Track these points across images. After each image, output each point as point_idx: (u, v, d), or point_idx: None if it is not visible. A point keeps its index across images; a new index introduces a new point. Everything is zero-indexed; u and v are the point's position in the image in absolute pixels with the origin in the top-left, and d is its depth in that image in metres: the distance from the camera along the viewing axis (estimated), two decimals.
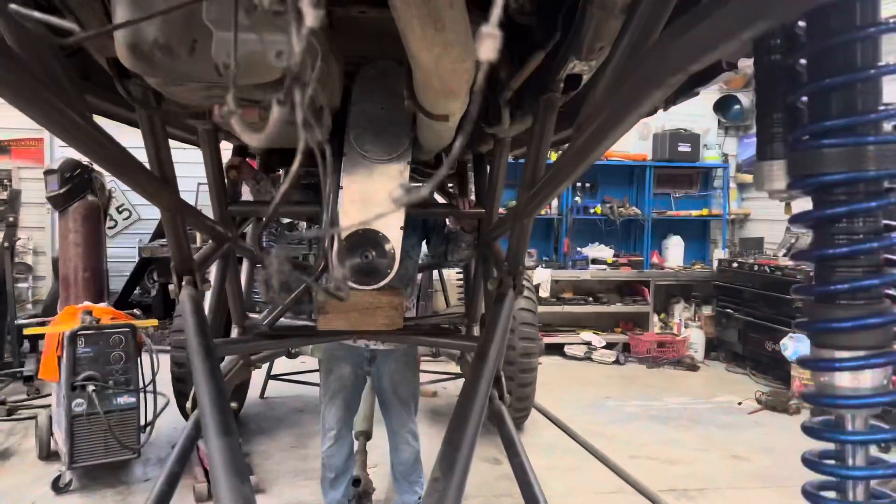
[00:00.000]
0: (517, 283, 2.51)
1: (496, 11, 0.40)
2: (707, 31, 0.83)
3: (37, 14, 0.52)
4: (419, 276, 5.77)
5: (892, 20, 0.94)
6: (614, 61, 1.40)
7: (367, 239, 2.76)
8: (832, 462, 1.00)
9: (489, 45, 0.39)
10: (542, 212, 8.64)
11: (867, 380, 0.95)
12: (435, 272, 6.46)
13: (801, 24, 1.01)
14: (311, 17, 0.42)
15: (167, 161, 2.13)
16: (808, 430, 1.01)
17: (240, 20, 0.81)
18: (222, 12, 0.87)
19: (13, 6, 0.54)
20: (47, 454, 4.56)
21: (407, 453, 3.58)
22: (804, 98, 1.01)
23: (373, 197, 2.81)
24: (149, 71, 1.46)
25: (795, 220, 1.00)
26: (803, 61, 1.01)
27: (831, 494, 1.00)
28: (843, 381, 0.96)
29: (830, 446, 1.01)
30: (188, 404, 2.75)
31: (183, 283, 2.30)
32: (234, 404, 4.11)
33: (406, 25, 1.42)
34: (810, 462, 1.01)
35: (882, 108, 0.94)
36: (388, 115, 2.72)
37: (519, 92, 2.22)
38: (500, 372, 3.02)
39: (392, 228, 2.79)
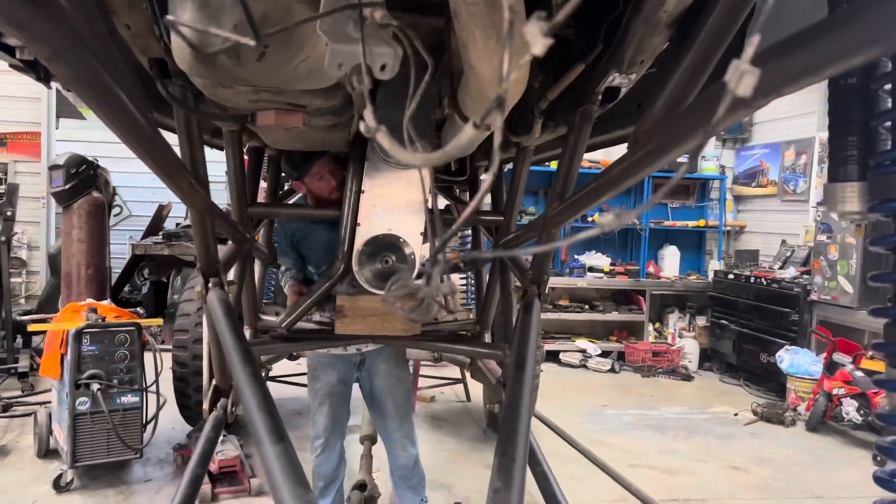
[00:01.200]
0: (541, 292, 2.52)
1: (750, 50, 0.40)
2: (814, 54, 0.84)
3: (218, 31, 0.52)
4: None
5: None
6: (676, 77, 1.41)
7: (387, 244, 2.76)
8: None
9: (748, 82, 0.40)
10: None
11: None
12: None
13: None
14: (540, 46, 0.42)
15: (201, 163, 2.12)
16: (882, 448, 1.03)
17: (349, 32, 0.81)
18: (335, 24, 0.87)
19: (169, 17, 0.53)
20: (46, 452, 4.51)
21: (404, 458, 3.52)
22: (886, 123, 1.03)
23: (393, 202, 2.82)
24: (206, 74, 1.46)
25: (876, 242, 1.01)
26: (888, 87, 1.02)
27: None
28: None
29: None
30: (205, 406, 2.74)
31: (210, 284, 2.28)
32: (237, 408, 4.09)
33: (468, 36, 1.42)
34: (882, 480, 1.02)
35: None
36: (411, 120, 2.70)
37: (553, 102, 2.23)
38: None
39: (412, 234, 2.79)
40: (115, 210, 8.75)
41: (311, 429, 3.44)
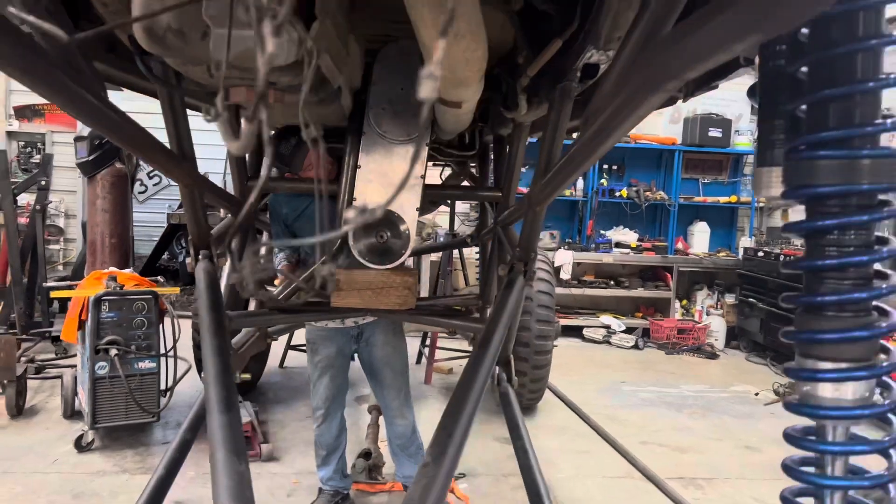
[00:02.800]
0: (528, 270, 2.52)
1: (437, 55, 0.41)
2: (705, 37, 0.83)
3: (31, 18, 0.54)
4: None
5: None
6: (625, 54, 1.39)
7: (382, 219, 2.78)
8: (811, 470, 1.01)
9: (429, 87, 0.40)
10: (567, 193, 8.59)
11: (849, 392, 0.95)
12: (455, 251, 6.48)
13: (805, 31, 1.00)
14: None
15: (186, 136, 2.17)
16: (788, 437, 1.02)
17: (239, 16, 0.82)
18: (220, 9, 0.88)
19: (12, 9, 0.56)
20: (71, 413, 4.70)
21: (402, 426, 3.61)
22: (804, 107, 1.01)
23: (389, 177, 2.83)
24: (164, 53, 1.49)
25: (788, 228, 1.00)
26: (805, 69, 1.00)
27: (809, 502, 1.01)
28: (826, 391, 0.96)
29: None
30: (203, 374, 2.82)
31: (200, 256, 2.34)
32: (247, 375, 4.20)
33: (417, 15, 1.43)
34: (789, 469, 1.02)
35: (879, 121, 0.94)
36: (407, 95, 2.71)
37: (536, 79, 2.21)
38: (510, 355, 3.05)
39: (408, 209, 2.81)
40: (155, 179, 8.94)
41: (311, 400, 3.54)
